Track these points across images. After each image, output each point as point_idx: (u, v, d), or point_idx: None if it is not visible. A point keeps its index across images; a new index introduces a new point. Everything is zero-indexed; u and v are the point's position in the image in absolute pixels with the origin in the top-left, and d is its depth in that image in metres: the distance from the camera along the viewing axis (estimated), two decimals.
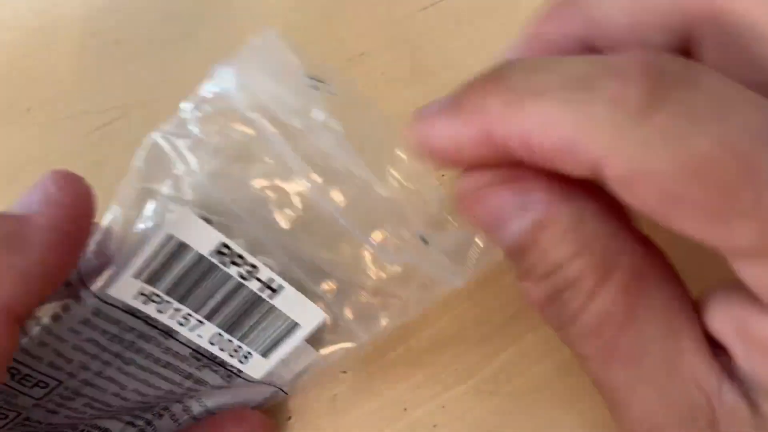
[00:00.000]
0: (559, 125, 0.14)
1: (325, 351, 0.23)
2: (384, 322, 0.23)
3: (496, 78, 0.15)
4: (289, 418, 0.27)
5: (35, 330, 0.20)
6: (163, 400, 0.23)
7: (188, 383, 0.23)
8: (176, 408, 0.24)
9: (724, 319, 0.16)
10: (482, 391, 0.27)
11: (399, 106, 0.29)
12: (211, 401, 0.24)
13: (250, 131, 0.20)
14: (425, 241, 0.21)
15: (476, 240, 0.21)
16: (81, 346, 0.21)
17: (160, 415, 0.24)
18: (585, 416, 0.27)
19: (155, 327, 0.21)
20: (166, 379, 0.22)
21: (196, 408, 0.24)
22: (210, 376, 0.23)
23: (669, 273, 0.17)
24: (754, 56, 0.16)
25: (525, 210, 0.16)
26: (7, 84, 0.32)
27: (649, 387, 0.16)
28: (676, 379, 0.16)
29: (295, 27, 0.29)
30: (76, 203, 0.18)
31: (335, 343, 0.23)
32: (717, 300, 0.16)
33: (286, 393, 0.25)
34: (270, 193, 0.21)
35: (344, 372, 0.27)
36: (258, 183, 0.20)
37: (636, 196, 0.14)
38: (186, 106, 0.21)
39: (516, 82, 0.15)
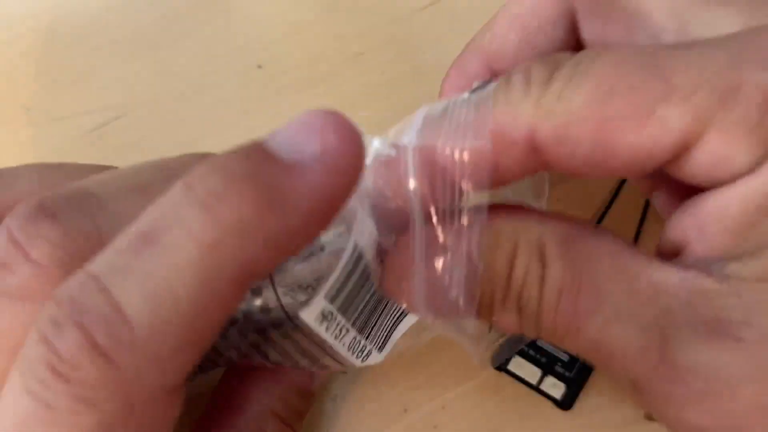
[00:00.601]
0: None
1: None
2: None
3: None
4: None
5: None
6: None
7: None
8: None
9: (678, 222, 0.18)
10: (482, 392, 0.27)
11: (398, 105, 0.29)
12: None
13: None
14: None
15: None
16: (243, 337, 0.19)
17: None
18: (584, 417, 0.27)
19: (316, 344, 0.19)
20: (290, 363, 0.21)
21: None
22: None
23: (590, 229, 0.18)
24: (627, 19, 0.19)
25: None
26: (7, 84, 0.32)
27: (618, 322, 0.17)
28: (639, 298, 0.17)
29: (294, 26, 0.29)
30: (353, 162, 0.14)
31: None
32: (674, 216, 0.18)
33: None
34: None
35: (344, 372, 0.27)
36: None
37: (569, 149, 0.16)
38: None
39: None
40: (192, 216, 0.13)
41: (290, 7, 0.30)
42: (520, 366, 0.26)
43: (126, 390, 0.14)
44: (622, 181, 0.28)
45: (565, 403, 0.26)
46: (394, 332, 0.21)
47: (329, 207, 0.14)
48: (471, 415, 0.27)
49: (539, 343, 0.26)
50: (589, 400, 0.26)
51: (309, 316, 0.17)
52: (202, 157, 0.17)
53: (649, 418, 0.26)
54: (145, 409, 0.14)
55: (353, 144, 0.14)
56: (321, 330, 0.18)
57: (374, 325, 0.20)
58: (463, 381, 0.27)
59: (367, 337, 0.20)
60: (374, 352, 0.21)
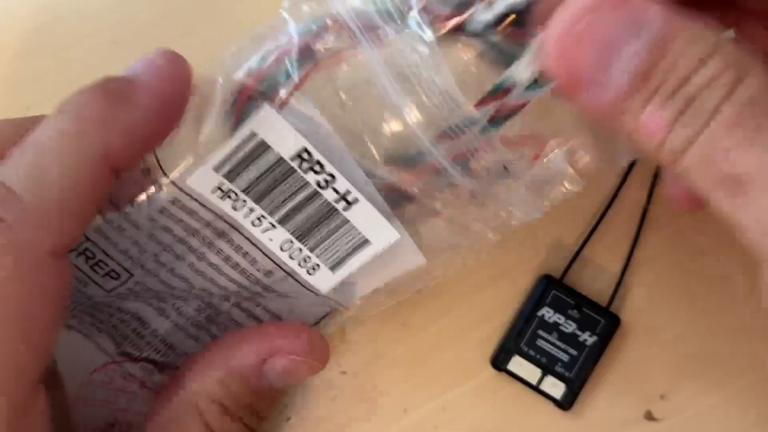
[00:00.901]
0: None
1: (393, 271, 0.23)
2: (455, 253, 0.23)
3: None
4: (289, 418, 0.27)
5: (113, 215, 0.20)
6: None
7: (256, 288, 0.22)
8: (236, 312, 0.24)
9: None
10: (482, 392, 0.27)
11: None
12: (272, 307, 0.24)
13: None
14: (507, 170, 0.21)
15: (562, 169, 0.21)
16: (156, 236, 0.21)
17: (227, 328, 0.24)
18: (583, 417, 0.27)
19: (229, 224, 0.21)
20: (233, 281, 0.22)
21: (257, 311, 0.24)
22: (277, 285, 0.22)
23: None
24: None
25: (644, 26, 0.16)
26: (7, 83, 0.32)
27: None
28: None
29: None
30: (178, 77, 0.19)
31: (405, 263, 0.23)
32: None
33: (346, 307, 0.24)
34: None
35: (344, 372, 0.27)
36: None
37: None
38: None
39: None
40: (60, 118, 0.18)
41: None
42: (520, 366, 0.26)
43: (17, 246, 0.17)
44: (622, 182, 0.28)
45: (565, 403, 0.26)
46: (352, 258, 0.21)
47: (165, 104, 0.19)
48: (471, 415, 0.27)
49: (539, 343, 0.26)
50: (589, 400, 0.26)
51: (198, 182, 0.20)
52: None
53: (649, 418, 0.26)
54: (35, 270, 0.17)
55: (177, 59, 0.19)
56: (222, 204, 0.20)
57: (324, 240, 0.21)
58: (463, 381, 0.27)
59: (312, 250, 0.21)
60: (324, 269, 0.21)
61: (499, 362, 0.26)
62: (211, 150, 0.20)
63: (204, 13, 0.32)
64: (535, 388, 0.26)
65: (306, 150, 0.20)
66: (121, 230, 0.20)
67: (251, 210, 0.20)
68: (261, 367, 0.22)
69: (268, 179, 0.20)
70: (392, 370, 0.27)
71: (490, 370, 0.27)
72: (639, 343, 0.27)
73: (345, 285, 0.22)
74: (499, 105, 0.19)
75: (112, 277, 0.21)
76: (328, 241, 0.21)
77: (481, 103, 0.19)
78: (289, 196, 0.20)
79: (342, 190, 0.20)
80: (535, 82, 0.18)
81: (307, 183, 0.20)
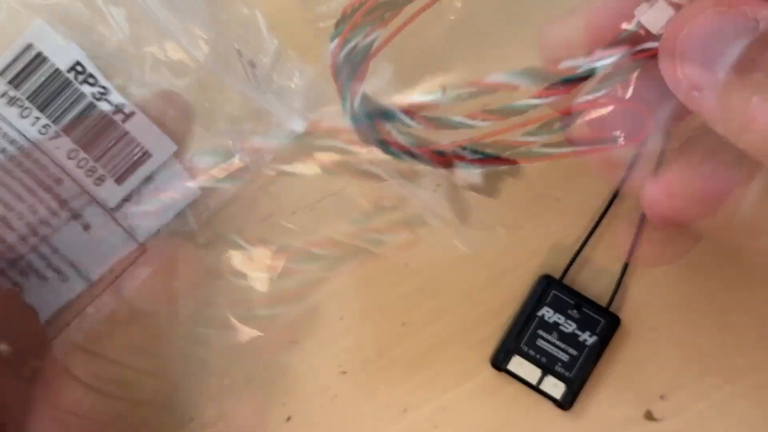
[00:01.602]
0: None
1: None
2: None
3: None
4: (289, 418, 0.27)
5: None
6: (21, 242, 0.24)
7: (52, 205, 0.23)
8: (34, 258, 0.24)
9: None
10: (482, 392, 0.27)
11: None
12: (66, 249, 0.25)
13: None
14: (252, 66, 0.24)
15: None
16: None
17: (25, 273, 0.24)
18: (583, 417, 0.27)
19: (19, 132, 0.23)
20: (22, 200, 0.23)
21: (51, 257, 0.24)
22: (72, 200, 0.24)
23: None
24: None
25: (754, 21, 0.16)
26: None
27: None
28: None
29: (294, 24, 0.29)
30: None
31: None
32: None
33: (140, 243, 0.25)
34: None
35: (344, 372, 0.27)
36: None
37: None
38: None
39: None
40: None
41: (289, 4, 0.30)
42: (520, 366, 0.26)
43: None
44: (622, 181, 0.28)
45: (565, 403, 0.26)
46: (136, 170, 0.23)
47: None
48: (471, 415, 0.27)
49: (539, 342, 0.26)
50: (589, 399, 0.26)
51: None
52: None
53: (649, 418, 0.26)
54: None
55: None
56: (8, 111, 0.22)
57: (107, 151, 0.23)
58: (463, 381, 0.27)
59: (97, 160, 0.23)
60: (110, 181, 0.23)
61: (499, 362, 0.26)
62: None
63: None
64: (535, 388, 0.26)
65: (80, 63, 0.23)
66: None
67: (37, 118, 0.23)
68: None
69: (49, 89, 0.23)
70: (392, 370, 0.27)
71: (490, 370, 0.26)
72: (639, 343, 0.27)
73: (135, 216, 0.24)
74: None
75: None
76: (111, 152, 0.23)
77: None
78: (70, 106, 0.23)
79: (116, 103, 0.23)
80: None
81: (83, 94, 0.23)
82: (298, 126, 0.21)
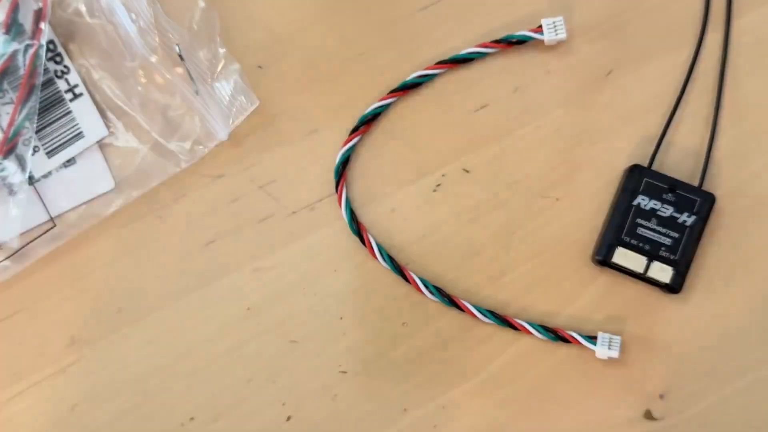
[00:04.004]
0: None
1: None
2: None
3: None
4: (289, 418, 0.27)
5: None
6: None
7: None
8: None
9: None
10: (482, 392, 0.27)
11: (397, 105, 0.28)
12: None
13: None
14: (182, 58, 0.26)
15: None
16: None
17: None
18: (583, 417, 0.27)
19: None
20: None
21: None
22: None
23: None
24: None
25: None
26: None
27: None
28: None
29: (294, 27, 0.29)
30: None
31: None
32: None
33: (54, 224, 0.26)
34: None
35: (344, 372, 0.27)
36: None
37: None
38: None
39: None
40: None
41: (290, 8, 0.30)
42: (624, 257, 0.26)
43: None
44: (693, 62, 0.27)
45: (675, 286, 0.25)
46: (67, 148, 0.25)
47: None
48: (471, 416, 0.27)
49: (639, 231, 0.26)
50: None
51: None
52: None
53: (649, 417, 0.26)
54: None
55: None
56: None
57: (48, 125, 0.25)
58: (463, 381, 0.27)
59: (37, 132, 0.25)
60: (42, 153, 0.25)
61: (603, 256, 0.26)
62: None
63: None
64: (643, 277, 0.25)
65: (52, 41, 0.25)
66: None
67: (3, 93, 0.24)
68: None
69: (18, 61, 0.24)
70: (392, 370, 0.27)
71: (491, 370, 0.26)
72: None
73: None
74: None
75: None
76: (52, 127, 0.25)
77: None
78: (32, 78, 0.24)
79: (72, 83, 0.25)
80: None
81: (47, 69, 0.24)
82: None
